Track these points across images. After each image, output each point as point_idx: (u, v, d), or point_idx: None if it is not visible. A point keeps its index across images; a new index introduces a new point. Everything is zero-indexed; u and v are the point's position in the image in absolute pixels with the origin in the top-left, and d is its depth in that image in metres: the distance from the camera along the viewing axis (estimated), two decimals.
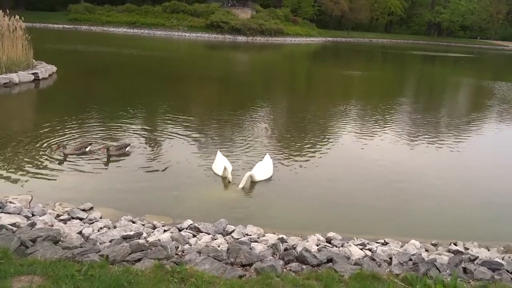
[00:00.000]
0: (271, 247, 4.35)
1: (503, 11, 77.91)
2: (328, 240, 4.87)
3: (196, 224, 4.91)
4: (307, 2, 65.89)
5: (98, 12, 48.93)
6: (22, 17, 14.28)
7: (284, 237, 4.72)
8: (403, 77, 27.00)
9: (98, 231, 4.60)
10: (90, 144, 7.37)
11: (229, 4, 52.54)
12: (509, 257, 4.58)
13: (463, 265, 4.20)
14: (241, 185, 6.23)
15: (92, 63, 21.22)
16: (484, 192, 7.07)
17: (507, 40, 79.58)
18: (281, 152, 8.13)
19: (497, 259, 4.41)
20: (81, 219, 4.94)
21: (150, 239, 4.41)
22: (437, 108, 15.30)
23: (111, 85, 15.69)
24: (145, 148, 7.88)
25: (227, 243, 4.48)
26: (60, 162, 6.74)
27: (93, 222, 4.85)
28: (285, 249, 4.35)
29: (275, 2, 61.17)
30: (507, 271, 4.13)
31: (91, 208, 5.28)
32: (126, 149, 7.35)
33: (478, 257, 4.46)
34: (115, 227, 4.77)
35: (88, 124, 9.18)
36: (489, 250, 4.89)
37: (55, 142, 7.67)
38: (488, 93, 19.30)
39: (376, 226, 5.47)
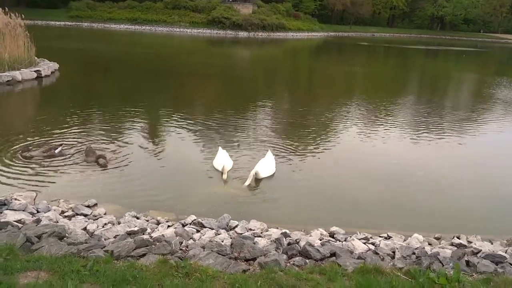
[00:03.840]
0: (275, 241, 4.37)
1: (506, 4, 77.18)
2: (331, 235, 4.88)
3: (199, 220, 4.94)
4: None
5: (100, 9, 48.91)
6: (22, 15, 14.30)
7: (288, 231, 4.73)
8: (405, 73, 26.90)
9: (103, 227, 4.63)
10: (61, 145, 7.14)
11: (230, 0, 52.40)
12: None
13: (466, 259, 4.21)
14: (246, 183, 6.20)
15: (94, 60, 21.24)
16: (487, 185, 7.06)
17: (511, 33, 78.93)
18: (283, 148, 8.13)
19: (500, 252, 4.41)
20: (85, 215, 4.97)
21: (154, 234, 4.44)
22: (440, 104, 15.25)
23: (113, 82, 15.72)
24: (148, 144, 7.90)
25: (231, 238, 4.50)
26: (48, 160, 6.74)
27: (98, 218, 4.88)
28: (289, 244, 4.37)
29: None
30: (510, 264, 4.14)
31: (95, 205, 5.31)
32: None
33: (481, 250, 4.47)
34: (119, 223, 4.80)
35: (91, 121, 9.21)
36: (492, 243, 4.89)
37: (58, 139, 7.71)
38: (490, 89, 19.20)
39: (379, 220, 5.47)
